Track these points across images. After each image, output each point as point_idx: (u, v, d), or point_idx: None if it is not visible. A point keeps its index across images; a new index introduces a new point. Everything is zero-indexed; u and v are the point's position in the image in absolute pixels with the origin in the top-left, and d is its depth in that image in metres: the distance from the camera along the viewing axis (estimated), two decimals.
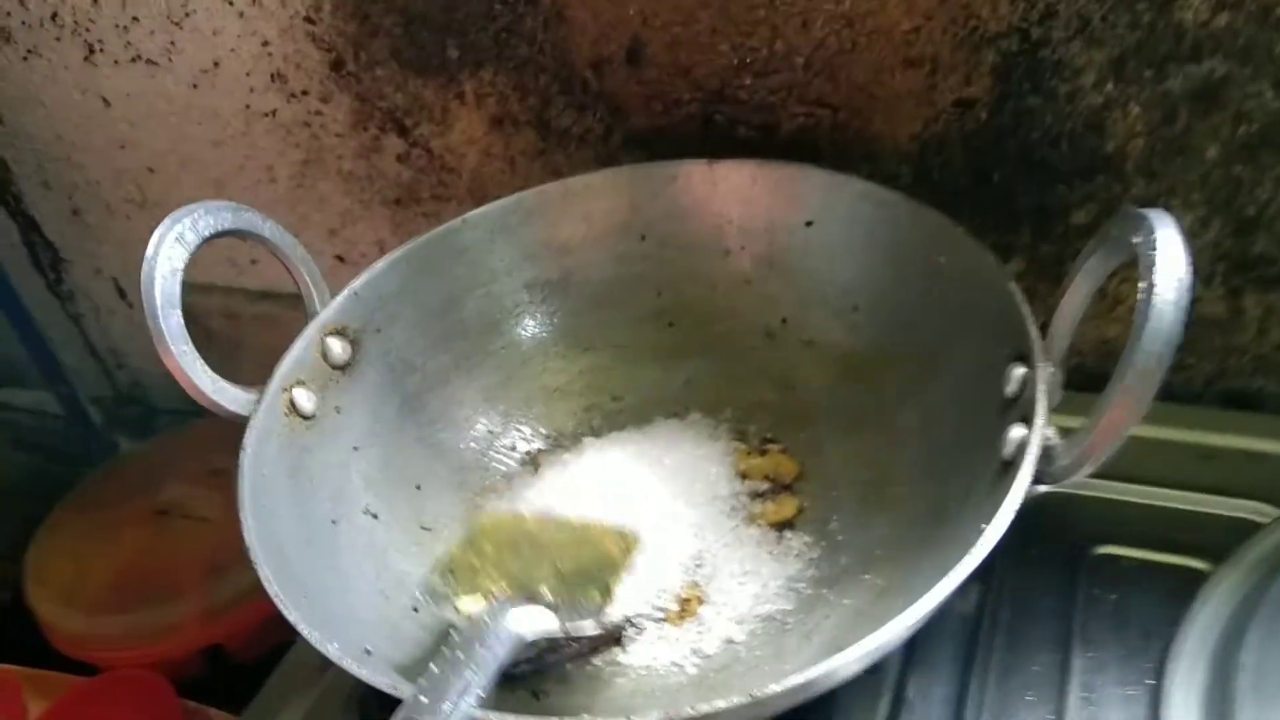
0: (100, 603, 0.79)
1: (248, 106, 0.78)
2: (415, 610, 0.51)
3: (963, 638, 0.53)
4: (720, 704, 0.36)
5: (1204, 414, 0.60)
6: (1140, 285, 0.39)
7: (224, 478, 0.87)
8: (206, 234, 0.52)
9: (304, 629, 0.42)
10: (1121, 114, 0.56)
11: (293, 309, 0.87)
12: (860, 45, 0.59)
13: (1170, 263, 0.38)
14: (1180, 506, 0.57)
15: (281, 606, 0.43)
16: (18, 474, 0.94)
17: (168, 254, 0.50)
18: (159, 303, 0.50)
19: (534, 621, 0.46)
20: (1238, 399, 0.63)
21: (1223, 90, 0.54)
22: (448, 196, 0.77)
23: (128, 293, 0.99)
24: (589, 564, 0.48)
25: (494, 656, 0.41)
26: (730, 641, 0.51)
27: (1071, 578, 0.56)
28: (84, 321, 1.05)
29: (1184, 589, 0.53)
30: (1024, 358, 0.47)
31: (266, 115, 0.78)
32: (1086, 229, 0.61)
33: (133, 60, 0.80)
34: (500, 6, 0.65)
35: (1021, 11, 0.55)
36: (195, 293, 0.91)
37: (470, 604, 0.47)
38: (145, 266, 0.50)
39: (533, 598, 0.47)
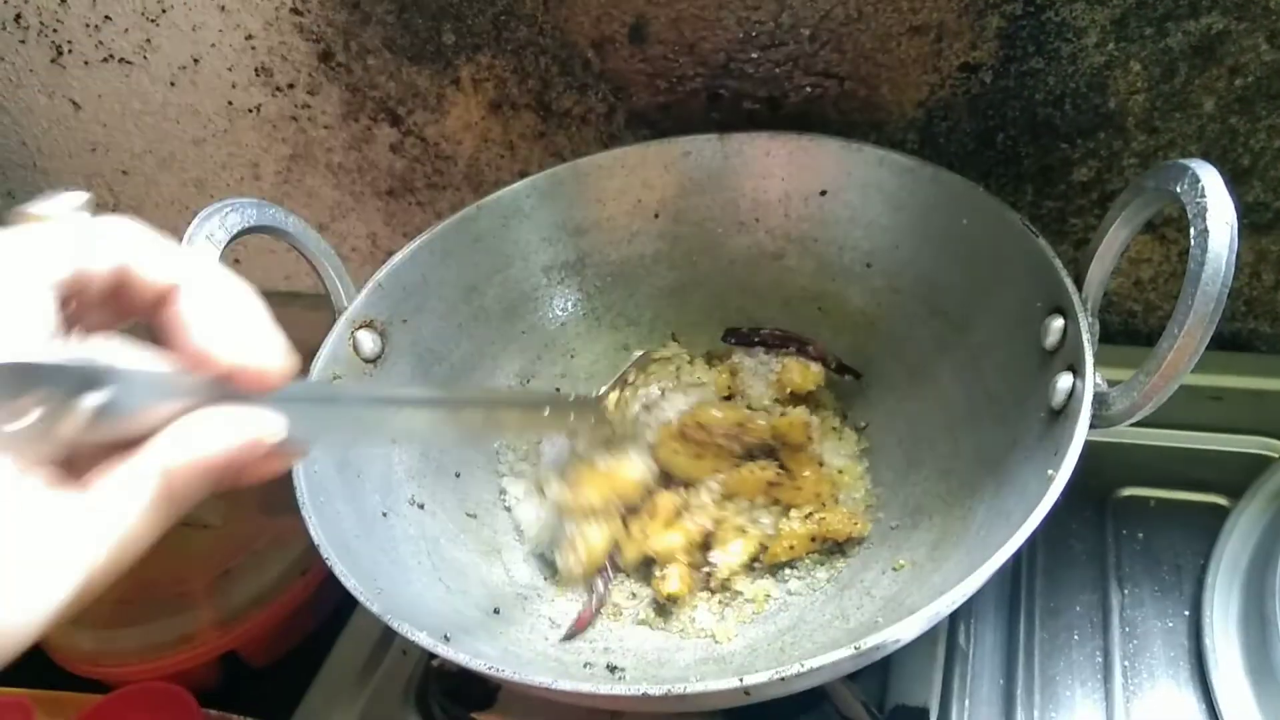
0: (110, 618, 0.77)
1: (230, 103, 0.77)
2: (496, 610, 0.52)
3: (1005, 585, 0.55)
4: (827, 658, 0.37)
5: (1206, 356, 0.63)
6: (1193, 232, 0.40)
7: None
8: (235, 231, 0.51)
9: (391, 620, 0.41)
10: (1123, 72, 0.58)
11: (283, 306, 0.86)
12: (866, 14, 0.60)
13: (1220, 209, 0.40)
14: (1195, 446, 0.60)
15: (364, 600, 0.42)
16: None
17: (201, 253, 0.49)
18: None
19: None
20: (1232, 341, 0.66)
21: (1220, 45, 0.56)
22: (444, 185, 0.76)
23: None
24: None
25: None
26: (790, 604, 0.52)
27: (1100, 520, 0.58)
28: None
29: (1208, 524, 0.56)
30: (1061, 310, 0.48)
31: (250, 111, 0.77)
32: (1087, 185, 0.63)
33: (105, 60, 0.77)
34: None
35: None
36: None
37: None
38: None
39: None
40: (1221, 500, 0.57)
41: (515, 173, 0.73)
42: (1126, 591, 0.54)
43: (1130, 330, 0.68)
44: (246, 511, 0.84)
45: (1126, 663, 0.51)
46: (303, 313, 0.87)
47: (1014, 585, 0.55)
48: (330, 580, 0.68)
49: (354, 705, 0.58)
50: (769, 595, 0.52)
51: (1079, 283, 0.48)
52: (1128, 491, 0.59)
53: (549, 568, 0.56)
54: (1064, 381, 0.46)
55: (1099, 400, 0.44)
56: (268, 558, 0.75)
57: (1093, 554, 0.56)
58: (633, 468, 0.54)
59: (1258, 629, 0.49)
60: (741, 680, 0.36)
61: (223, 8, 0.71)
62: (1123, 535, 0.57)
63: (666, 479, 0.56)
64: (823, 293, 0.62)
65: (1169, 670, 0.51)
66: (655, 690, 0.37)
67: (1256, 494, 0.56)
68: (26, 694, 0.74)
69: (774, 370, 0.60)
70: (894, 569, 0.50)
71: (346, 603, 0.75)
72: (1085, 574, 0.55)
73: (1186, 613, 0.53)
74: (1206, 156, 0.59)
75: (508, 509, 0.59)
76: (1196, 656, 0.50)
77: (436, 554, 0.53)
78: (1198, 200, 0.40)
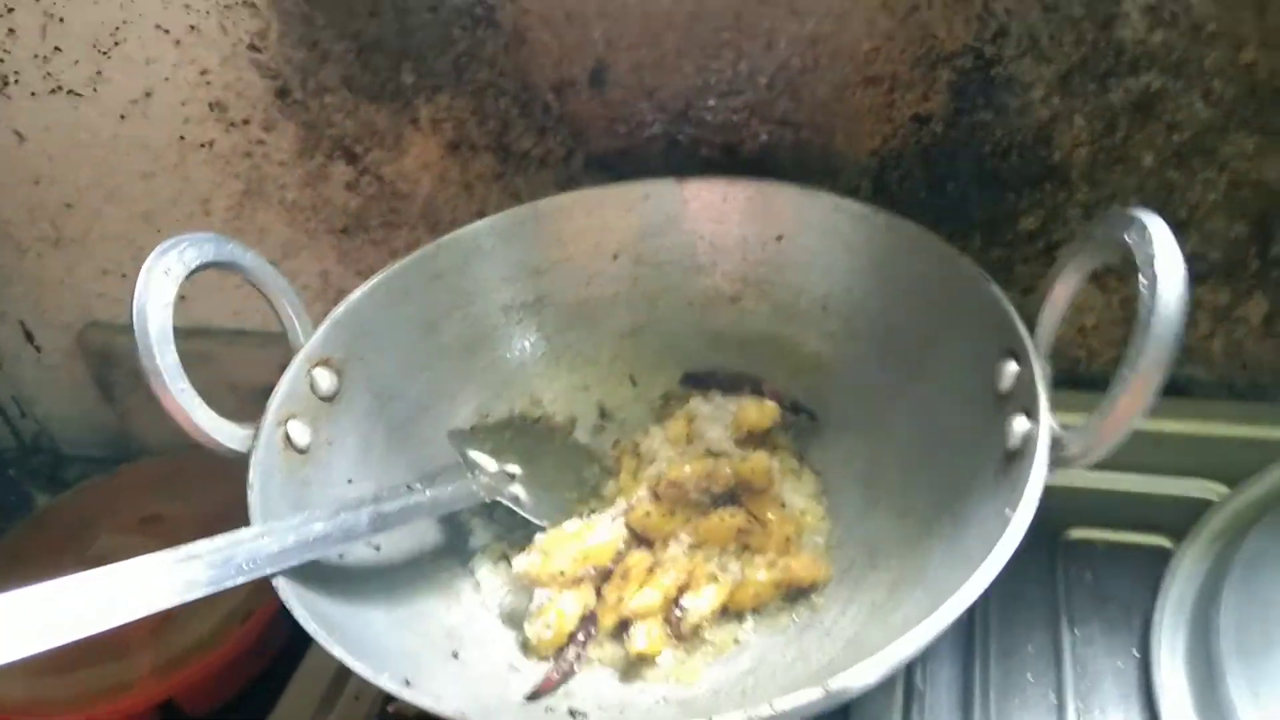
0: (42, 664, 0.73)
1: (182, 137, 0.76)
2: (455, 654, 0.51)
3: (960, 626, 0.56)
4: (797, 699, 0.37)
5: None
6: (1142, 280, 0.42)
7: (160, 524, 0.84)
8: (193, 266, 0.51)
9: (353, 663, 0.41)
10: (1067, 125, 0.60)
11: (231, 343, 0.85)
12: (823, 64, 0.62)
13: (1168, 256, 0.41)
14: (1139, 490, 0.62)
15: (326, 644, 0.41)
16: None
17: (158, 289, 0.49)
18: (154, 340, 0.48)
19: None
20: (1171, 386, 0.68)
21: (1158, 102, 0.59)
22: (399, 223, 0.76)
23: (35, 335, 0.94)
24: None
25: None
26: (750, 645, 0.52)
27: (1049, 561, 0.59)
28: None
29: (1154, 564, 0.57)
30: (1014, 354, 0.49)
31: (203, 146, 0.76)
32: (1033, 235, 0.65)
33: (52, 92, 0.76)
34: (459, 31, 0.66)
35: (975, 31, 0.59)
36: (120, 334, 0.87)
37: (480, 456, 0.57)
38: (136, 303, 0.48)
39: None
40: (1165, 542, 0.59)
41: (473, 213, 0.73)
42: (1077, 631, 0.55)
43: (1075, 376, 0.70)
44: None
45: (1079, 702, 0.52)
46: (251, 350, 0.86)
47: (969, 626, 0.56)
48: (273, 625, 0.67)
49: None
50: (736, 639, 0.52)
51: (1030, 328, 0.50)
52: (1076, 533, 0.61)
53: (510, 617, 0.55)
54: (1019, 424, 0.47)
55: (1055, 443, 0.45)
56: (210, 601, 0.72)
57: (1044, 595, 0.57)
58: (603, 531, 0.54)
59: (1204, 666, 0.50)
60: None
61: (178, 42, 0.71)
62: (1072, 575, 0.58)
63: (636, 539, 0.56)
64: (779, 335, 0.63)
65: (1120, 708, 0.52)
66: None
67: (1199, 535, 0.57)
68: None
69: (730, 411, 0.60)
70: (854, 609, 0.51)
71: (290, 649, 0.74)
72: (1037, 614, 0.56)
73: (1135, 652, 0.54)
74: (1146, 208, 0.62)
75: (467, 562, 0.58)
76: (1146, 694, 0.52)
77: (393, 597, 0.52)
78: (1146, 249, 0.42)
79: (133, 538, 0.82)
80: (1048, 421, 0.45)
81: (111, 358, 0.90)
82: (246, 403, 0.85)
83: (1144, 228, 0.43)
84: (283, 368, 0.56)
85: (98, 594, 0.40)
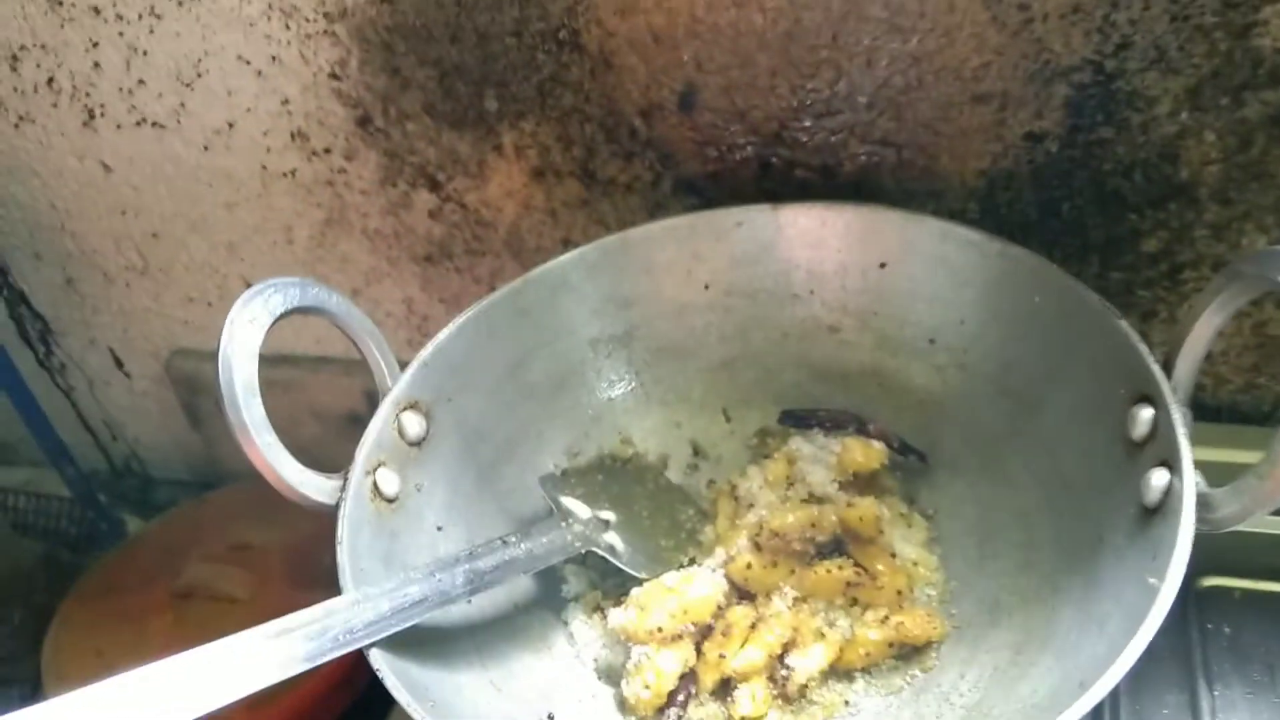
0: None
1: (264, 167, 0.75)
2: (550, 717, 0.49)
3: None
4: None
5: None
6: None
7: (249, 553, 0.84)
8: (278, 313, 0.49)
9: None
10: (1196, 142, 0.56)
11: (314, 371, 0.84)
12: (927, 83, 0.58)
13: None
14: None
15: (416, 716, 0.40)
16: (23, 561, 0.88)
17: (243, 339, 0.47)
18: (239, 391, 0.47)
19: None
20: None
21: None
22: (483, 251, 0.74)
23: (125, 362, 0.95)
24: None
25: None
26: (862, 708, 0.49)
27: (1182, 612, 0.55)
28: (75, 394, 1.00)
29: None
30: (1149, 398, 0.46)
31: (285, 175, 0.75)
32: (1156, 257, 0.60)
33: (137, 124, 0.76)
34: (544, 56, 0.63)
35: (1095, 44, 0.54)
36: (206, 361, 0.87)
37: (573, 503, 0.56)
38: (221, 355, 0.47)
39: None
40: None
41: (558, 240, 0.71)
42: (1217, 693, 0.51)
43: (1198, 404, 0.65)
44: (275, 585, 0.81)
45: None
46: (334, 378, 0.85)
47: None
48: (362, 657, 0.65)
49: None
50: (846, 700, 0.49)
51: (1166, 369, 0.46)
52: (1210, 581, 0.56)
53: (607, 672, 0.53)
54: (1159, 478, 0.43)
55: (1203, 502, 0.41)
56: None
57: (1176, 650, 0.53)
58: (703, 584, 0.51)
59: None
60: None
61: (260, 73, 0.70)
62: (1208, 629, 0.54)
63: (738, 592, 0.53)
64: (882, 369, 0.60)
65: None
66: None
67: None
68: None
69: (833, 453, 0.57)
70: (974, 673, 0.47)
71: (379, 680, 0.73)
72: (1170, 672, 0.52)
73: None
74: None
75: (560, 612, 0.56)
76: None
77: (487, 652, 0.50)
78: None
79: (223, 566, 0.82)
80: (1193, 478, 0.42)
81: (198, 385, 0.90)
82: (330, 430, 0.86)
83: None
84: (366, 395, 0.54)
85: (193, 678, 0.39)
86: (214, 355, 0.47)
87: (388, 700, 0.62)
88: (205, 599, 0.81)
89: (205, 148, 0.76)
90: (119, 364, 0.95)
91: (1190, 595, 0.56)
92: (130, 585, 0.84)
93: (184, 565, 0.83)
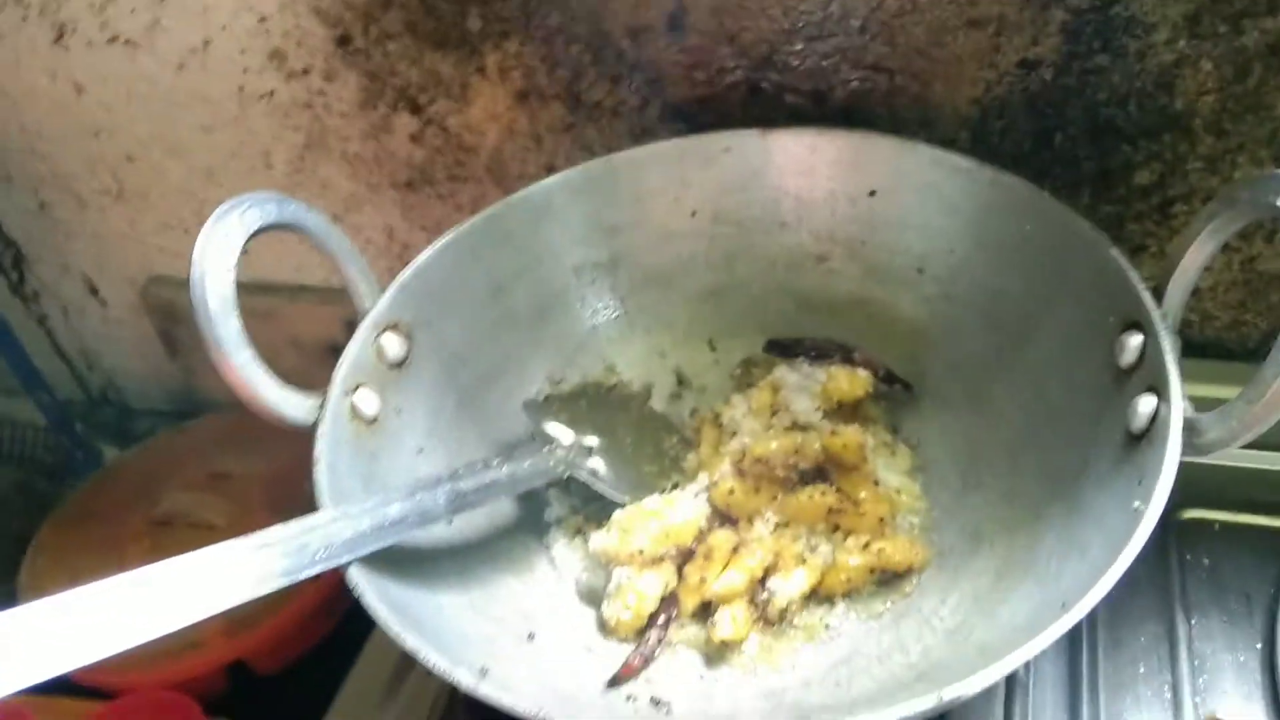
0: None
1: (241, 88, 0.73)
2: (530, 636, 0.49)
3: None
4: (909, 708, 0.34)
5: None
6: None
7: (229, 481, 0.83)
8: (254, 228, 0.48)
9: (428, 656, 0.38)
10: (1193, 71, 0.55)
11: (293, 299, 0.83)
12: (921, 6, 0.57)
13: None
14: (1260, 467, 0.57)
15: (399, 637, 0.39)
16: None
17: (218, 254, 0.46)
18: (214, 307, 0.45)
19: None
20: None
21: None
22: (465, 177, 0.73)
23: (100, 289, 0.93)
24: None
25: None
26: (842, 632, 0.49)
27: (1162, 544, 0.55)
28: (50, 322, 0.98)
29: (1278, 549, 0.53)
30: (1138, 325, 0.45)
31: (263, 97, 0.73)
32: (1148, 190, 0.60)
33: (110, 41, 0.74)
34: None
35: None
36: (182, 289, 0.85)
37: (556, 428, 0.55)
38: (195, 270, 0.46)
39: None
40: None
41: (541, 166, 0.70)
42: (1194, 621, 0.52)
43: (1185, 342, 0.65)
44: (254, 514, 0.80)
45: (1197, 698, 0.49)
46: (313, 307, 0.84)
47: None
48: (343, 585, 0.65)
49: None
50: (827, 624, 0.49)
51: (1156, 296, 0.45)
52: (1191, 514, 0.56)
53: (588, 594, 0.53)
54: (1145, 405, 0.43)
55: (1189, 427, 0.41)
56: None
57: (1155, 580, 0.53)
58: (685, 508, 0.51)
59: None
60: None
61: None
62: (1187, 560, 0.54)
63: (720, 517, 0.53)
64: (870, 299, 0.59)
65: (1243, 706, 0.48)
66: None
67: None
68: (26, 701, 0.71)
69: (818, 382, 0.56)
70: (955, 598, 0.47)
71: (359, 609, 0.73)
72: (1149, 603, 0.53)
73: (1259, 645, 0.50)
74: (1278, 162, 0.57)
75: (543, 536, 0.56)
76: (1271, 692, 0.48)
77: (468, 574, 0.50)
78: None
79: (202, 495, 0.82)
80: (1180, 403, 0.41)
81: (175, 313, 0.88)
82: (309, 360, 0.85)
83: None
84: (346, 324, 0.53)
85: (171, 589, 0.38)
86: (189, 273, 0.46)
87: (366, 628, 0.63)
88: (183, 527, 0.80)
89: (180, 67, 0.73)
90: (94, 291, 0.93)
91: (1170, 527, 0.56)
92: (107, 513, 0.83)
93: (162, 493, 0.83)
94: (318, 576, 0.74)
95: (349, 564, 0.43)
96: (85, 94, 0.77)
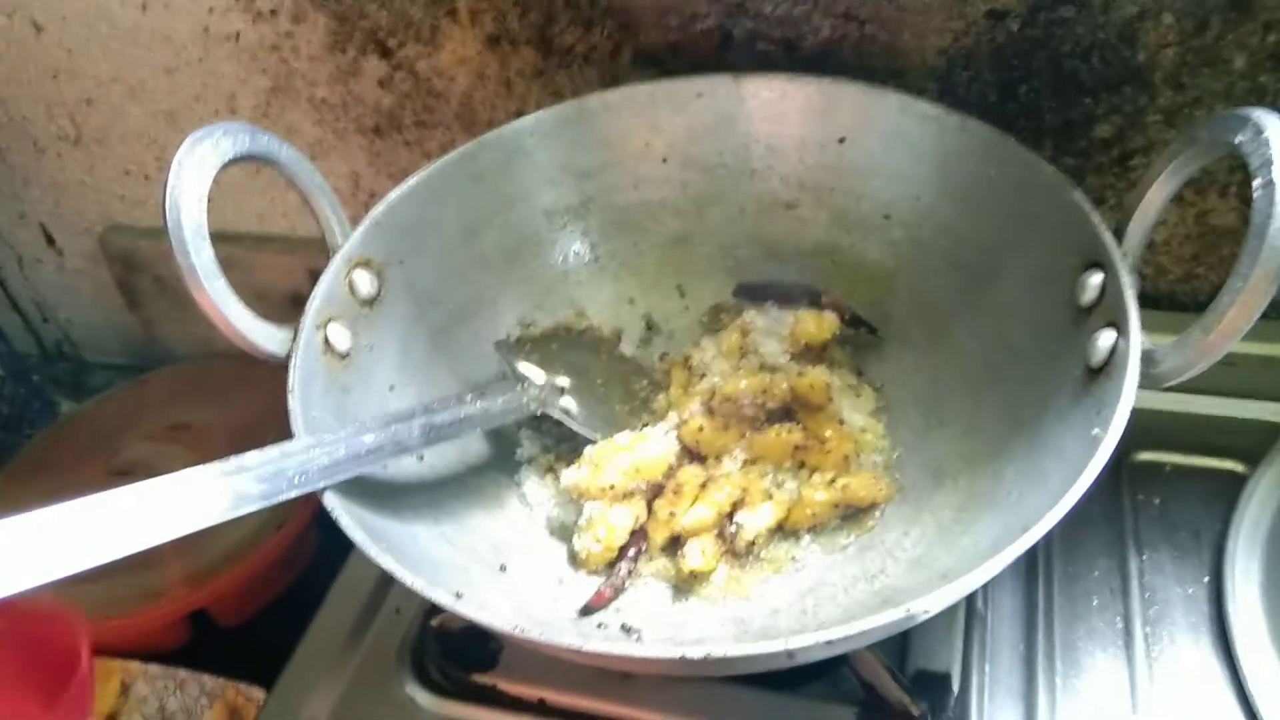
0: None
1: (206, 29, 0.72)
2: (502, 567, 0.49)
3: None
4: (880, 619, 0.35)
5: None
6: (1256, 183, 0.39)
7: (188, 432, 0.83)
8: (228, 157, 0.48)
9: (405, 576, 0.39)
10: (1154, 24, 0.56)
11: (256, 249, 0.82)
12: None
13: None
14: (1210, 412, 0.59)
15: (376, 557, 0.40)
16: None
17: (192, 181, 0.46)
18: (188, 234, 0.45)
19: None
20: None
21: None
22: (434, 123, 0.72)
23: (56, 239, 0.91)
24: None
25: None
26: (808, 564, 0.50)
27: (1115, 485, 0.57)
28: (4, 273, 0.96)
29: (1225, 490, 0.55)
30: (1099, 264, 0.47)
31: (228, 39, 0.72)
32: (1108, 142, 0.61)
33: None
34: None
35: None
36: (143, 238, 0.84)
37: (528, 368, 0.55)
38: (169, 196, 0.45)
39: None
40: (1238, 467, 0.56)
41: (511, 112, 0.70)
42: (1145, 557, 0.53)
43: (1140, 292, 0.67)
44: (217, 460, 0.80)
45: (1148, 629, 0.50)
46: (276, 256, 0.83)
47: (1031, 549, 0.54)
48: (304, 537, 0.65)
49: (345, 668, 0.56)
50: (793, 557, 0.50)
51: (1117, 235, 0.47)
52: (1143, 456, 0.58)
53: (559, 529, 0.53)
54: (1105, 339, 0.44)
55: (1146, 358, 0.42)
56: None
57: (1109, 519, 0.55)
58: (655, 444, 0.52)
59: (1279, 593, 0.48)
60: (788, 644, 0.34)
61: None
62: (1139, 499, 0.56)
63: (689, 454, 0.53)
64: (837, 245, 0.60)
65: (1191, 636, 0.50)
66: (695, 653, 0.35)
67: (1275, 460, 0.55)
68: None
69: (786, 325, 0.57)
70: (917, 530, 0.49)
71: (320, 562, 0.73)
72: (1102, 538, 0.54)
73: (1206, 579, 0.52)
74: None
75: (514, 474, 0.57)
76: (1218, 623, 0.50)
77: (439, 508, 0.50)
78: (1263, 151, 0.39)
79: (161, 445, 0.81)
80: (1138, 334, 0.43)
81: (134, 262, 0.87)
82: (274, 310, 0.83)
83: (1260, 129, 0.39)
84: (311, 274, 0.53)
85: (145, 508, 0.38)
86: (152, 220, 0.45)
87: (327, 580, 0.63)
88: (143, 478, 0.79)
89: (143, 6, 0.72)
90: (50, 240, 0.91)
91: (1124, 469, 0.58)
92: (66, 463, 0.82)
93: (122, 444, 0.82)
94: (280, 528, 0.74)
95: (325, 489, 0.43)
96: (44, 33, 0.76)
